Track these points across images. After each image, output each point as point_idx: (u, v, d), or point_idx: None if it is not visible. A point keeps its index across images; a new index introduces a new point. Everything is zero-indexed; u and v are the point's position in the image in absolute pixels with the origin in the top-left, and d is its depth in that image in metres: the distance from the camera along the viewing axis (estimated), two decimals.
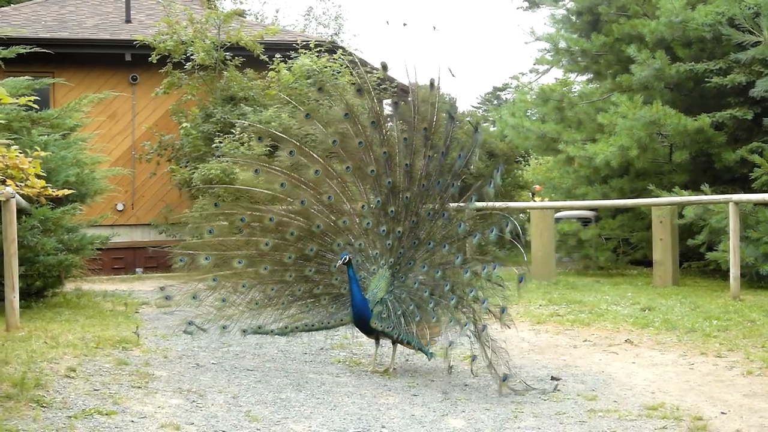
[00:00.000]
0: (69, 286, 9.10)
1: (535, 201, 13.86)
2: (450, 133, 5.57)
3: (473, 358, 5.23)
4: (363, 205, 5.72)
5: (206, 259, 5.65)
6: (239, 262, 5.65)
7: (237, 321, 5.64)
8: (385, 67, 6.28)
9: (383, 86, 13.37)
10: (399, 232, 5.57)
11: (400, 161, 5.61)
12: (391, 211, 5.60)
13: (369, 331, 5.56)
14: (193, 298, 5.64)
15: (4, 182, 4.80)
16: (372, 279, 5.59)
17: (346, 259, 5.32)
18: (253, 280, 5.67)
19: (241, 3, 14.44)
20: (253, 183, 5.93)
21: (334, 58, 13.77)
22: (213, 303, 5.64)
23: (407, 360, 5.84)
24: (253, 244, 5.71)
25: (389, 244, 5.60)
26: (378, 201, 5.64)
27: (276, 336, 5.79)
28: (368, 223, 5.68)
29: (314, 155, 5.68)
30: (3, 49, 8.22)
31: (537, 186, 15.03)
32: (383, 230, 5.61)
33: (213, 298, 5.65)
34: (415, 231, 5.57)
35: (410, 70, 5.75)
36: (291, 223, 5.71)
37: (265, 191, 5.81)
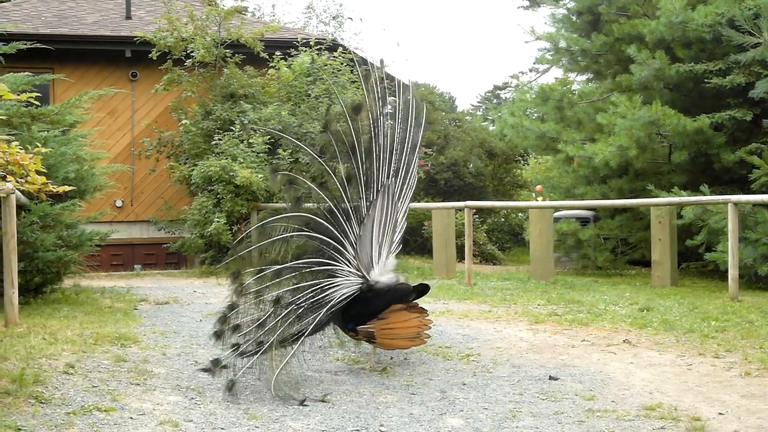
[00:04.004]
0: (67, 283, 9.09)
1: (537, 201, 13.89)
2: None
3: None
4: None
5: None
6: None
7: None
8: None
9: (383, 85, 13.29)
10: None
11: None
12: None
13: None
14: None
15: (4, 178, 4.80)
16: None
17: None
18: None
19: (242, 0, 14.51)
20: None
21: (334, 56, 13.79)
22: None
23: (405, 359, 5.85)
24: None
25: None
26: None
27: None
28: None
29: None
30: (3, 45, 8.20)
31: (538, 186, 15.05)
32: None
33: None
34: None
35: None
36: None
37: None
